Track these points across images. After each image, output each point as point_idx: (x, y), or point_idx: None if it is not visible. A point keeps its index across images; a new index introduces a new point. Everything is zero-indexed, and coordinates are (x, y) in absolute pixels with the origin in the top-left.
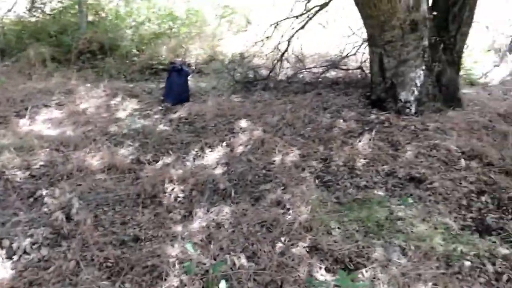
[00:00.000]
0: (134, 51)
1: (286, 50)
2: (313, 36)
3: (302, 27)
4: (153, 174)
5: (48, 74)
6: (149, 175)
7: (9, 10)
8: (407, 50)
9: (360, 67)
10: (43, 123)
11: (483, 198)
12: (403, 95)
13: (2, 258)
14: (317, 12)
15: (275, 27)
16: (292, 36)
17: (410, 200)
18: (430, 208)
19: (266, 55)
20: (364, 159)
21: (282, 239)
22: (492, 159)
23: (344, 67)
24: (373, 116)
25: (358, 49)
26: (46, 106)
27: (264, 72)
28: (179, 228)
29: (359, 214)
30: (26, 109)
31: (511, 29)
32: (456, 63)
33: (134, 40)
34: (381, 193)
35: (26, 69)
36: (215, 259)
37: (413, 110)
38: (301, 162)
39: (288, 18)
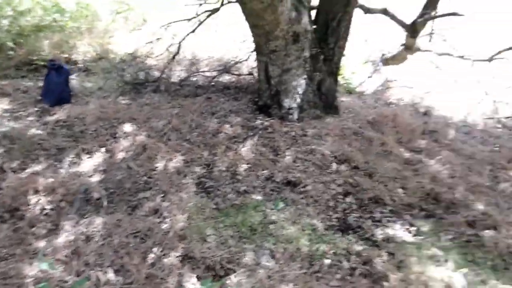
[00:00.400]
0: (10, 44)
1: (177, 52)
2: (209, 40)
3: (193, 31)
4: (17, 184)
5: None
6: (12, 186)
7: None
8: (290, 60)
9: (251, 73)
10: None
11: (348, 199)
12: (286, 102)
13: None
14: (208, 16)
15: (166, 28)
16: (184, 39)
17: (282, 204)
18: (301, 211)
19: (156, 56)
20: (247, 164)
21: (155, 249)
22: (358, 163)
23: (235, 73)
24: (258, 122)
25: (250, 55)
26: None
27: (156, 73)
28: (41, 243)
29: (235, 220)
30: None
31: (384, 44)
32: (334, 73)
33: (11, 31)
34: (259, 197)
35: None
36: (78, 276)
37: (295, 117)
38: (184, 168)
39: (178, 21)
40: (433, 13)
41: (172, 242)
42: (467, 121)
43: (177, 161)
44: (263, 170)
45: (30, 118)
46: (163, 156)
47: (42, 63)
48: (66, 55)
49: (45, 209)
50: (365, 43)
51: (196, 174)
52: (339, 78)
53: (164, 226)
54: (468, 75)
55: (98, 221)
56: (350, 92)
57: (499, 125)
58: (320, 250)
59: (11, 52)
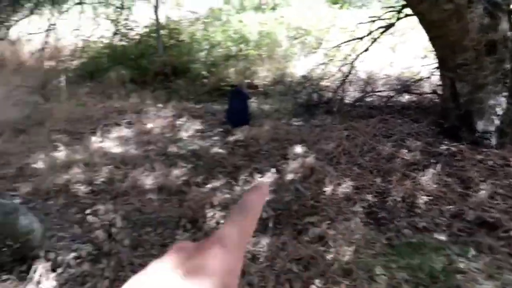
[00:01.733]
0: (204, 73)
1: (349, 73)
2: (385, 58)
3: (367, 49)
4: (198, 198)
5: (126, 94)
6: (194, 199)
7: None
8: (483, 74)
9: (434, 92)
10: (112, 141)
11: None
12: (480, 125)
13: (47, 270)
14: (382, 33)
15: (338, 49)
16: (356, 58)
17: (472, 252)
18: (501, 262)
19: (328, 77)
20: (427, 196)
21: (317, 281)
22: None
23: (416, 91)
24: (443, 147)
25: (433, 72)
26: (117, 124)
27: (329, 95)
28: None
29: (411, 261)
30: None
31: None
32: None
33: (207, 62)
34: (442, 237)
35: (108, 89)
36: None
37: (493, 142)
38: (353, 195)
39: (349, 40)
40: None
41: (336, 276)
42: None
43: (346, 186)
44: (448, 205)
45: (215, 138)
46: (331, 180)
47: (228, 88)
48: (249, 81)
49: (219, 222)
50: None
51: (366, 203)
52: None
53: (329, 256)
54: None
55: (264, 241)
56: None
57: None
58: None
59: (205, 80)
